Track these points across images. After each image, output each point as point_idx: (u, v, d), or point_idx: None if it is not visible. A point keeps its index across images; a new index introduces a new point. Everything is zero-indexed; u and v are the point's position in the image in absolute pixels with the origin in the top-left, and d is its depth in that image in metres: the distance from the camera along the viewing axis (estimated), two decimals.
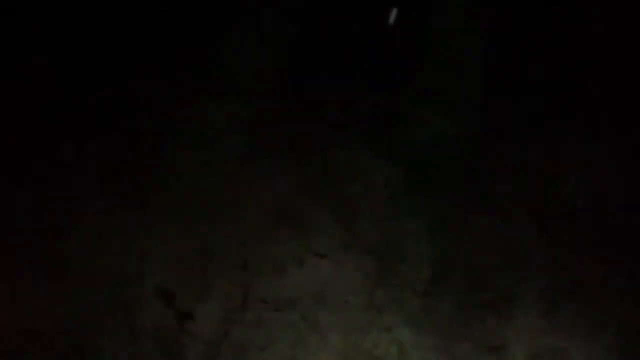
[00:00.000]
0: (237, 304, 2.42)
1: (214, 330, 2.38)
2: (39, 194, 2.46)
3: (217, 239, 2.48)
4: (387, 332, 2.43)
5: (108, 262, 2.42)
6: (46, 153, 2.50)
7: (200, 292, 2.42)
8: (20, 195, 2.45)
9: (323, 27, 2.69)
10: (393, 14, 2.51)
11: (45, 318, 2.35)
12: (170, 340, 2.37)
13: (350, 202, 2.58)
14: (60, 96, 2.55)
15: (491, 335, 2.44)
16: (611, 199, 2.59)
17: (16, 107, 2.53)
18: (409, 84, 2.68)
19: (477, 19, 2.76)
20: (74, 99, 2.56)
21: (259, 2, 2.73)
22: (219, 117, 2.59)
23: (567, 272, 2.53)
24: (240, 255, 2.47)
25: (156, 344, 2.36)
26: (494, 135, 2.66)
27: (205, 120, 2.59)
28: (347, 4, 2.73)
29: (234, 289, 2.43)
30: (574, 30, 2.72)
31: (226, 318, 2.40)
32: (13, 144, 2.50)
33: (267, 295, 2.44)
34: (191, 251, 2.46)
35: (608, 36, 2.72)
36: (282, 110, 2.64)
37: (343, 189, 2.60)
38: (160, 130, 2.57)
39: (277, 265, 2.47)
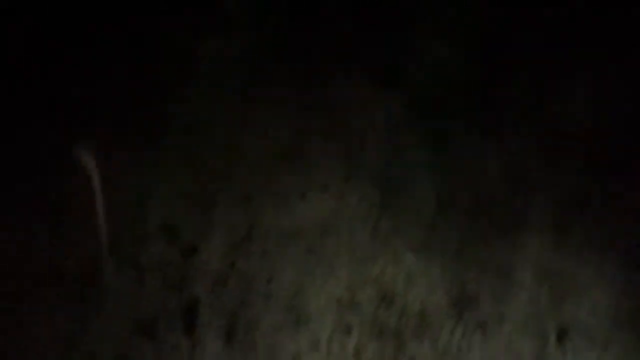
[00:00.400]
0: (242, 237, 2.41)
1: (220, 264, 2.38)
2: (36, 136, 2.46)
3: (219, 174, 2.47)
4: (394, 261, 2.42)
5: (110, 200, 2.42)
6: (43, 93, 2.50)
7: (203, 226, 2.41)
8: (18, 136, 2.46)
9: None
10: None
11: (50, 260, 2.36)
12: (177, 276, 2.37)
13: (352, 135, 2.56)
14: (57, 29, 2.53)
15: (498, 261, 2.43)
16: (619, 119, 2.55)
17: (14, 39, 2.51)
18: (410, 13, 2.65)
19: None
20: (70, 34, 2.55)
21: None
22: (218, 53, 2.56)
23: (574, 194, 2.50)
24: (243, 189, 2.46)
25: (163, 280, 2.37)
26: (498, 62, 2.63)
27: (204, 56, 2.57)
28: None
29: (237, 222, 2.43)
30: None
31: (231, 251, 2.39)
32: (8, 85, 2.49)
33: (271, 228, 2.43)
34: (193, 186, 2.45)
35: None
36: (282, 45, 2.61)
37: (344, 121, 2.58)
38: (158, 67, 2.55)
39: (280, 198, 2.46)
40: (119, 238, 2.39)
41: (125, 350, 2.28)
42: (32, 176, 2.42)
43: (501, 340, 2.32)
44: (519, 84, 2.60)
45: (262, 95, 2.54)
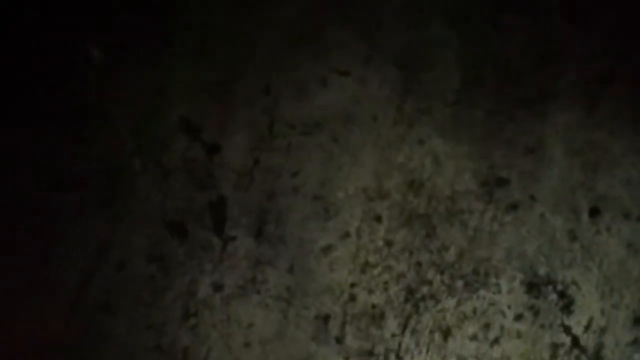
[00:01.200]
0: (264, 131, 2.37)
1: (244, 160, 2.36)
2: (48, 35, 2.40)
3: (235, 66, 2.40)
4: (420, 145, 2.37)
5: (129, 100, 2.37)
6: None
7: (224, 122, 2.37)
8: (27, 37, 2.40)
9: None
10: None
11: (76, 164, 2.35)
12: (202, 174, 2.35)
13: (369, 15, 2.46)
14: None
15: (527, 136, 2.37)
16: None
17: None
18: None
19: None
20: None
21: None
22: None
23: (605, 63, 2.40)
24: (261, 80, 2.39)
25: (188, 179, 2.35)
26: None
27: None
28: None
29: (258, 116, 2.38)
30: None
31: (254, 146, 2.36)
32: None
33: (293, 120, 2.38)
34: (210, 82, 2.39)
35: None
36: None
37: (361, 1, 2.47)
38: None
39: (300, 87, 2.39)
40: (140, 138, 2.37)
41: (157, 252, 2.30)
42: (51, 80, 2.38)
43: (533, 220, 2.29)
44: None
45: None
